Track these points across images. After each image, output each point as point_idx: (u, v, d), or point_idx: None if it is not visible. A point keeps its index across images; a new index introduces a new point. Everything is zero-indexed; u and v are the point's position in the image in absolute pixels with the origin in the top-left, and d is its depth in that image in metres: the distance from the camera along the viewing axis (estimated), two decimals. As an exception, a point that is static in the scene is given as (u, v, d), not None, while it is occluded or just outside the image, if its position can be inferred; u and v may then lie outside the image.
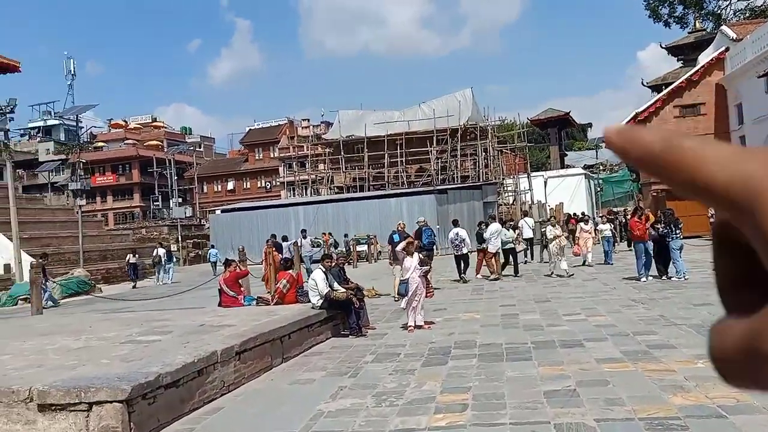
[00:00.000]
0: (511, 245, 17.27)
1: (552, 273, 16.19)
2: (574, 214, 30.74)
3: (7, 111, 24.84)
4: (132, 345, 6.84)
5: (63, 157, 63.57)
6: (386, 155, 40.74)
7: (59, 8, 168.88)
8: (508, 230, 17.56)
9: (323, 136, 49.33)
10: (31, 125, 72.57)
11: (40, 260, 22.30)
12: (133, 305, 16.84)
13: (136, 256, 28.64)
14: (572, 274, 15.96)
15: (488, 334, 8.84)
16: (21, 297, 22.87)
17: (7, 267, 26.09)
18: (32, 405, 4.54)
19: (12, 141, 73.08)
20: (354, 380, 6.61)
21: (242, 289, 10.93)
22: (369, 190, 39.77)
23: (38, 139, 71.57)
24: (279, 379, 6.95)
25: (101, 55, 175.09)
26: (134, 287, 26.48)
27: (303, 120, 71.69)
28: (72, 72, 77.35)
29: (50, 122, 70.97)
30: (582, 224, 19.67)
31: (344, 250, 26.67)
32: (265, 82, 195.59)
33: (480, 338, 8.52)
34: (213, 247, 32.89)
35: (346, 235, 31.16)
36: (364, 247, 30.63)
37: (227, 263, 11.12)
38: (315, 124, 66.17)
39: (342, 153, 42.51)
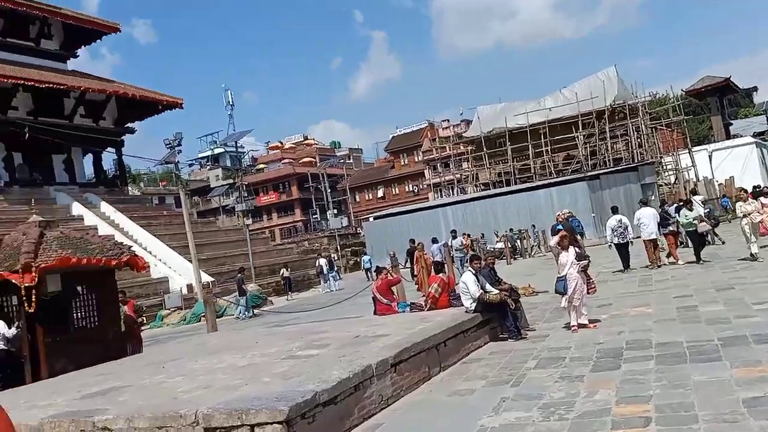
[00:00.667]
0: (692, 227, 15.31)
1: (753, 255, 14.14)
2: (754, 188, 27.53)
3: (175, 144, 27.26)
4: (292, 361, 6.96)
5: (230, 181, 68.86)
6: (530, 146, 39.31)
7: (215, 46, 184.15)
8: (690, 210, 15.59)
9: (464, 135, 48.85)
10: (201, 155, 79.54)
11: (239, 274, 24.27)
12: (299, 316, 17.61)
13: (288, 269, 30.15)
14: (760, 258, 13.98)
15: (664, 330, 7.97)
16: (203, 314, 24.91)
17: (189, 287, 28.54)
18: (199, 429, 4.68)
19: (189, 171, 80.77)
20: (517, 389, 6.18)
21: (395, 296, 10.87)
22: (516, 184, 38.65)
23: (208, 167, 78.16)
24: (438, 390, 6.70)
25: (255, 84, 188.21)
26: (288, 299, 27.70)
27: (443, 121, 71.70)
28: (230, 102, 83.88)
29: (217, 151, 77.29)
30: (763, 198, 17.32)
31: (494, 248, 26.06)
32: (403, 89, 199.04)
33: (655, 336, 7.68)
34: (366, 253, 33.75)
35: (496, 233, 30.48)
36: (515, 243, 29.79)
37: (378, 271, 11.14)
38: (455, 124, 65.85)
39: (484, 149, 41.73)
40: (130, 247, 11.42)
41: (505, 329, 9.07)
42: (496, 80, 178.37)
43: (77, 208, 31.85)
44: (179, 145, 27.15)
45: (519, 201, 33.59)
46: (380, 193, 71.94)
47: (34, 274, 9.36)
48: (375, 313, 10.66)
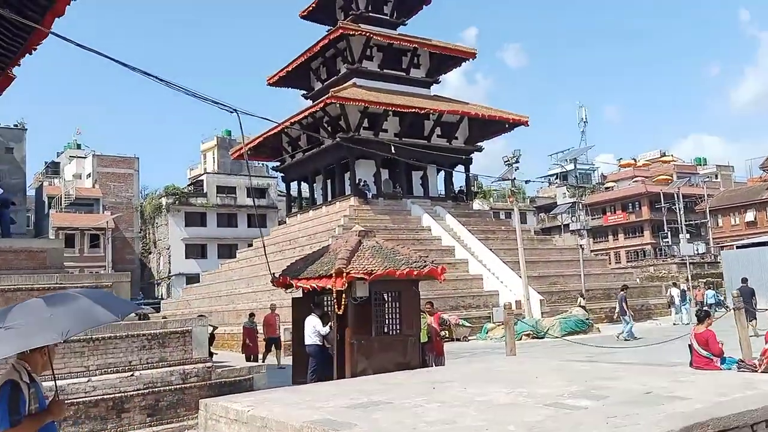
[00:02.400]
0: None
1: None
2: None
3: (513, 161, 27.58)
4: (552, 410, 6.10)
5: (575, 199, 67.41)
6: None
7: (573, 62, 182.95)
8: None
9: None
10: (550, 172, 79.78)
11: (621, 292, 23.72)
12: (616, 351, 15.96)
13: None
14: None
15: None
16: (524, 333, 24.64)
17: (517, 303, 28.55)
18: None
19: (538, 187, 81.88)
20: None
21: (721, 344, 8.83)
22: None
23: (556, 184, 77.92)
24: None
25: (617, 99, 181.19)
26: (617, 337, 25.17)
27: None
28: (584, 119, 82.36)
29: (568, 167, 76.49)
30: None
31: None
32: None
33: None
34: (711, 287, 29.27)
35: None
36: None
37: (701, 315, 9.20)
38: None
39: None
40: (433, 261, 11.71)
41: None
42: None
43: (426, 220, 34.67)
44: (517, 161, 27.41)
45: None
46: (749, 218, 61.73)
47: (344, 279, 10.26)
48: (690, 365, 8.86)
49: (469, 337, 25.80)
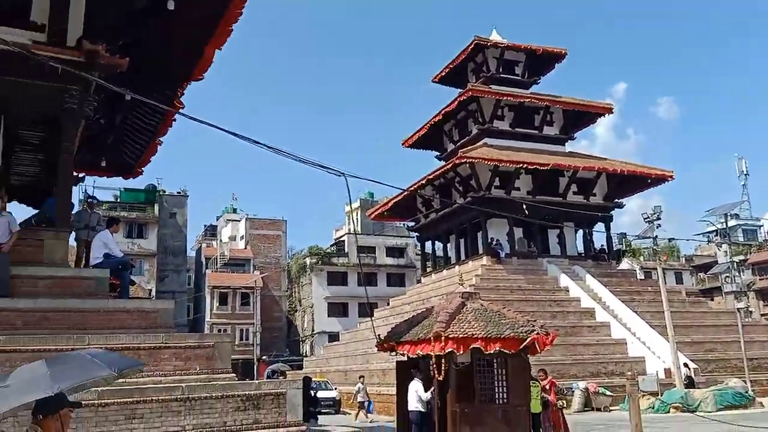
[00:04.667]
0: None
1: None
2: None
3: (654, 218, 25.68)
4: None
5: (741, 258, 61.25)
6: None
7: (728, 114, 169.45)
8: None
9: None
10: (710, 229, 73.46)
11: None
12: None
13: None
14: None
15: None
16: (672, 404, 22.23)
17: (666, 371, 26.04)
18: None
19: (697, 245, 75.53)
20: None
21: None
22: None
23: (716, 241, 71.50)
24: None
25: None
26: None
27: None
28: (744, 172, 75.75)
29: (730, 223, 70.10)
30: None
31: None
32: None
33: None
34: None
35: None
36: None
37: None
38: None
39: None
40: (542, 324, 11.02)
41: None
42: None
43: (564, 280, 33.10)
44: (658, 218, 25.44)
45: None
46: None
47: (443, 344, 9.95)
48: None
49: (611, 407, 23.84)
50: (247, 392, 8.75)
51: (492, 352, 10.15)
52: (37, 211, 12.99)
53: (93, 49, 10.50)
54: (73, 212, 11.74)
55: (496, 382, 10.64)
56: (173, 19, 11.34)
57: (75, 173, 13.23)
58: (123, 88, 9.68)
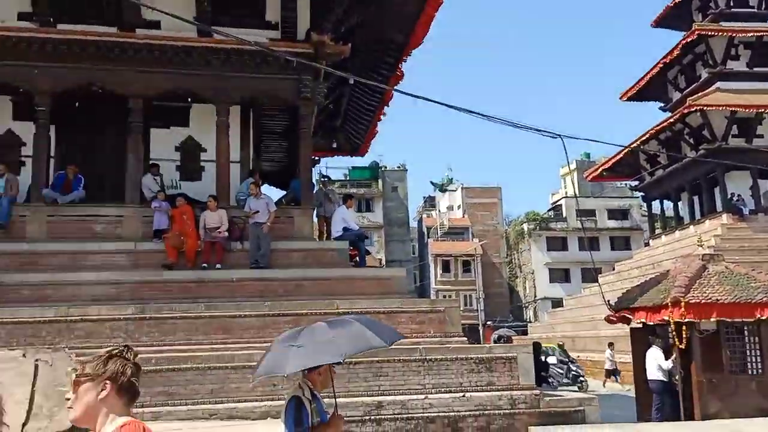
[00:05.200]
0: None
1: None
2: None
3: None
4: None
5: None
6: None
7: None
8: None
9: None
10: None
11: None
12: None
13: None
14: None
15: None
16: None
17: None
18: None
19: None
20: None
21: None
22: None
23: None
24: None
25: None
26: None
27: None
28: None
29: None
30: None
31: None
32: None
33: None
34: None
35: None
36: None
37: None
38: None
39: None
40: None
41: None
42: None
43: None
44: None
45: None
46: None
47: (682, 309, 9.34)
48: None
49: None
50: (479, 355, 9.09)
51: (741, 319, 9.29)
52: (284, 192, 14.65)
53: (320, 40, 11.48)
54: (313, 192, 13.05)
55: (747, 351, 9.74)
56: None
57: (312, 156, 14.63)
58: (347, 73, 10.47)
